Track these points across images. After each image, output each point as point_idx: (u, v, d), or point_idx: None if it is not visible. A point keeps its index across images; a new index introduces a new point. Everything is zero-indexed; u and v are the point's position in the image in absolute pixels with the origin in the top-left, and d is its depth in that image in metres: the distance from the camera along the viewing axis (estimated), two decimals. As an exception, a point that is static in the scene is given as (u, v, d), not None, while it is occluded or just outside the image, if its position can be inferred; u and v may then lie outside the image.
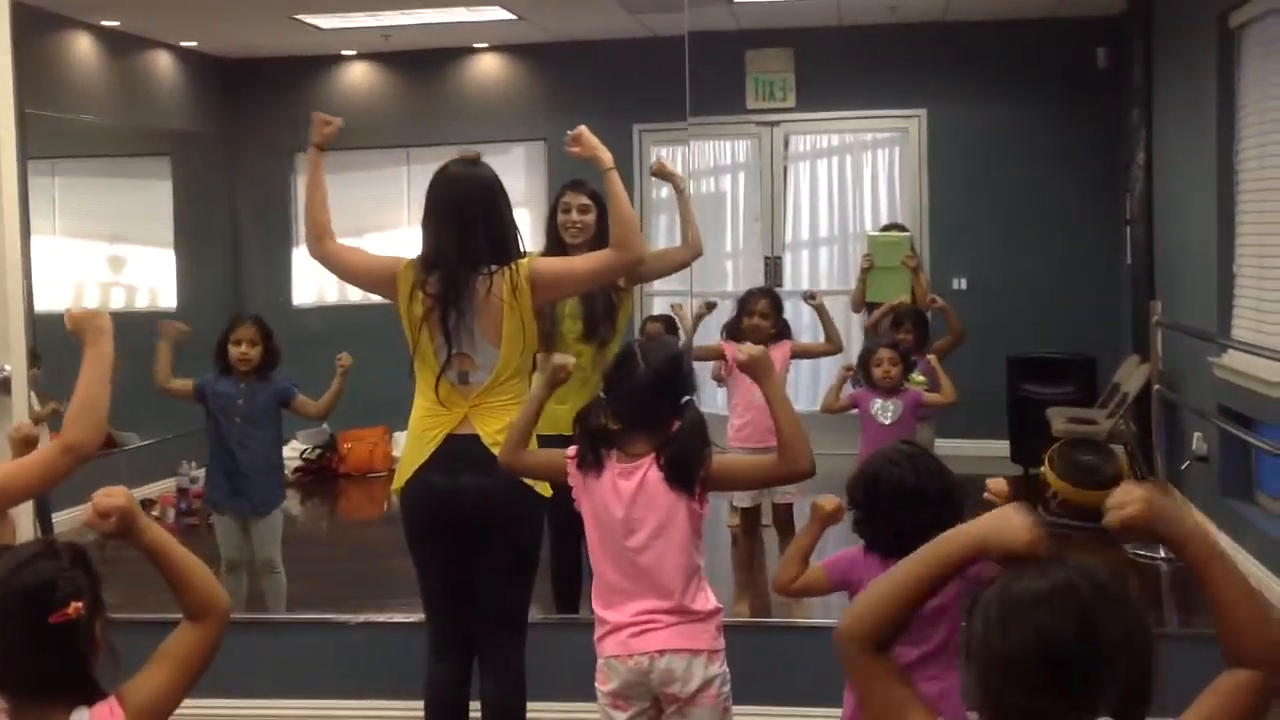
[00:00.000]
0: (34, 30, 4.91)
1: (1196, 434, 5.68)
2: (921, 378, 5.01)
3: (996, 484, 2.77)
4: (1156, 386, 5.60)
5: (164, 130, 7.81)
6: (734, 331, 4.95)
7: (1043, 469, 6.04)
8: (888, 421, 4.77)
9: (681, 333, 5.11)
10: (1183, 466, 5.70)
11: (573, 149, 3.35)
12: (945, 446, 5.07)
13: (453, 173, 3.30)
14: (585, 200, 4.15)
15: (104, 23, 7.07)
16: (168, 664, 1.89)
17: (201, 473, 5.18)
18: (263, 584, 4.66)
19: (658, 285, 5.92)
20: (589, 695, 2.88)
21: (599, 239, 3.78)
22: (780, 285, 7.26)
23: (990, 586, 1.59)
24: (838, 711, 2.76)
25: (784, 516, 4.93)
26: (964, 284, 7.39)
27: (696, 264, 4.30)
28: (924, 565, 1.64)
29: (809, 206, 7.93)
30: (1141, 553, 5.32)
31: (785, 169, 7.89)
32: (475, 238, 3.20)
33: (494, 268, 3.20)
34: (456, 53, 7.99)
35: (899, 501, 2.68)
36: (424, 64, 8.02)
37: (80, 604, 1.78)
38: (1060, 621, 1.47)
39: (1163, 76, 6.54)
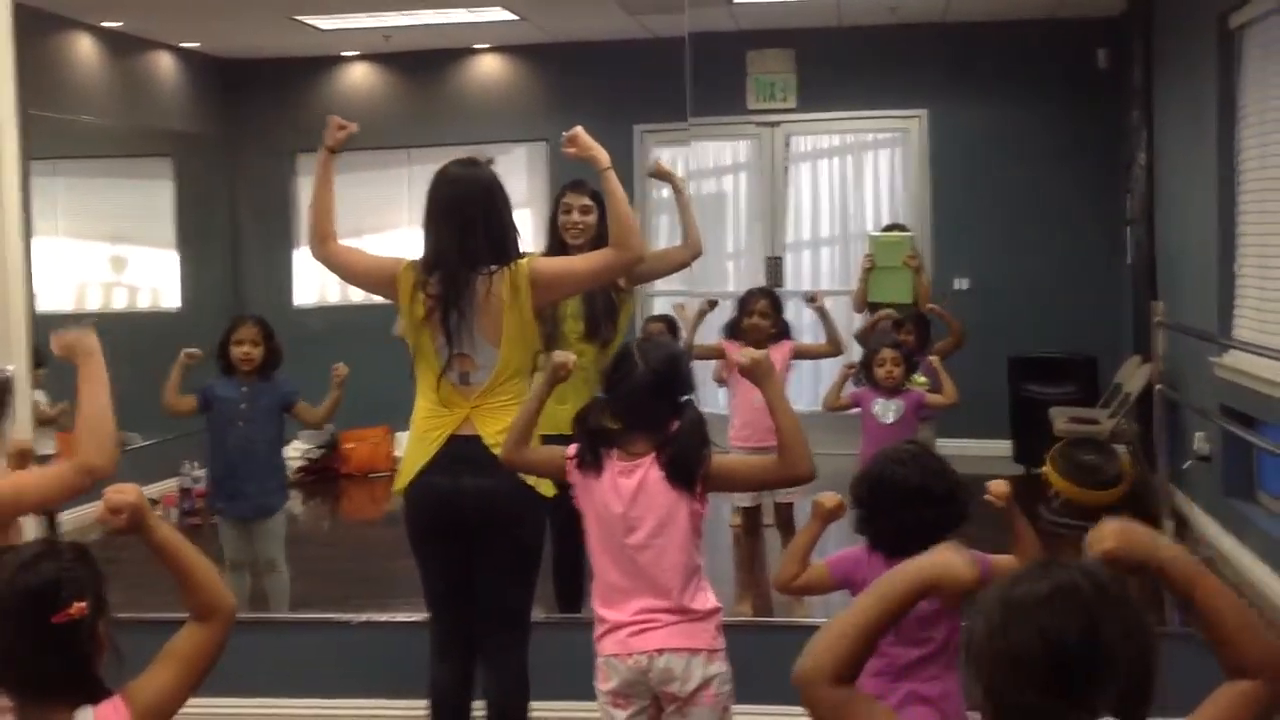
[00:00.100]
0: (36, 31, 4.91)
1: (1198, 434, 5.68)
2: (923, 379, 5.01)
3: (998, 486, 2.77)
4: (1158, 386, 5.59)
5: (166, 131, 7.82)
6: (734, 331, 4.96)
7: (1045, 469, 6.04)
8: (889, 421, 4.77)
9: (683, 332, 5.11)
10: (1184, 466, 5.69)
11: (569, 150, 3.37)
12: (947, 446, 5.06)
13: (452, 174, 3.31)
14: (586, 201, 4.15)
15: (105, 24, 7.08)
16: (173, 663, 1.90)
17: (204, 472, 5.18)
18: (265, 583, 4.66)
19: (659, 285, 5.92)
20: (590, 694, 2.89)
21: (600, 239, 3.78)
22: (781, 286, 7.26)
23: (990, 587, 1.60)
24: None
25: (785, 516, 4.94)
26: (966, 284, 7.39)
27: (697, 264, 4.30)
28: (874, 606, 1.67)
29: (810, 207, 7.93)
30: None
31: (786, 169, 7.89)
32: (475, 238, 3.21)
33: (494, 268, 3.21)
34: (457, 53, 8.00)
35: (903, 501, 2.68)
36: (424, 65, 8.02)
37: (83, 604, 1.78)
38: (1063, 622, 1.47)
39: (1163, 77, 6.54)
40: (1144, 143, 6.69)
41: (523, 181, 7.38)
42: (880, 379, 4.83)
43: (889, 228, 7.14)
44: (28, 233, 4.63)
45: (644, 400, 2.81)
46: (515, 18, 7.07)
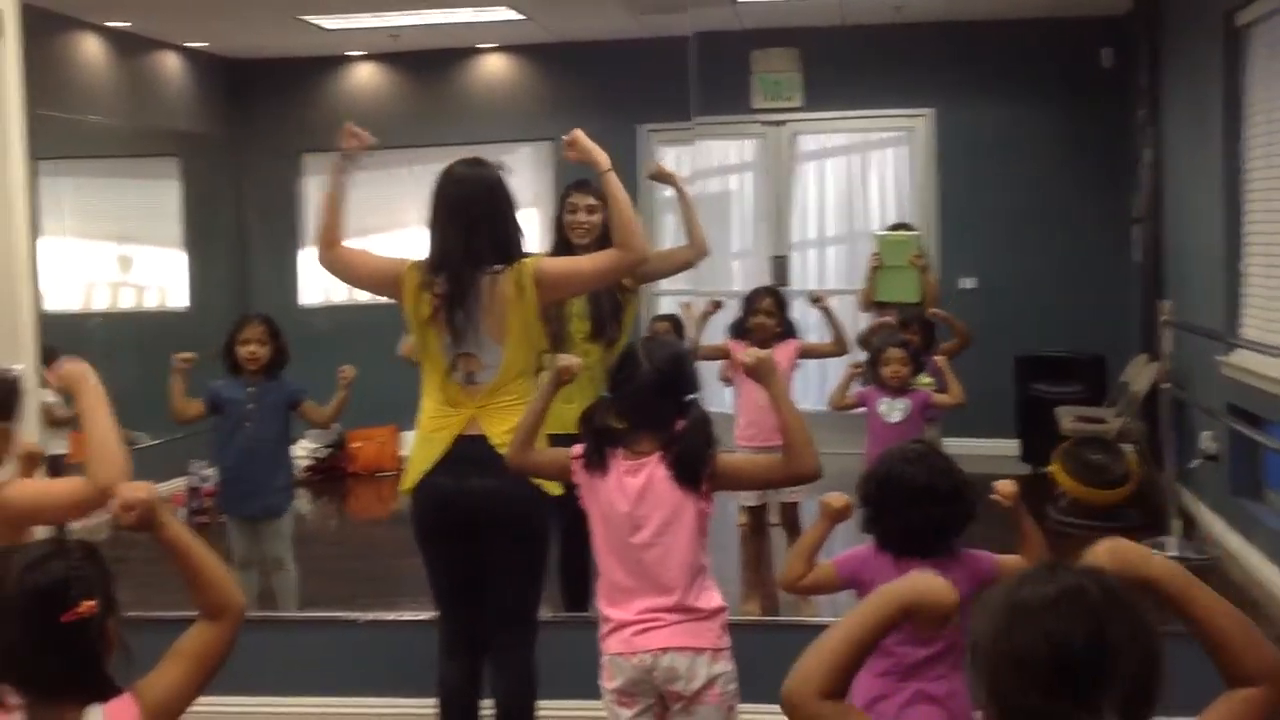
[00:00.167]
0: (43, 31, 4.92)
1: (1206, 433, 5.68)
2: (928, 379, 5.01)
3: (1005, 486, 2.77)
4: (1165, 385, 5.60)
5: (172, 131, 7.83)
6: (739, 331, 4.96)
7: (1051, 468, 6.04)
8: (895, 421, 4.77)
9: (688, 332, 5.11)
10: (1192, 465, 5.69)
11: (568, 153, 3.38)
12: (954, 446, 5.06)
13: (458, 173, 3.31)
14: (592, 200, 4.15)
15: (112, 24, 7.09)
16: (183, 661, 1.91)
17: (212, 471, 5.19)
18: (273, 582, 4.67)
19: (664, 285, 5.92)
20: (597, 693, 2.89)
21: (606, 239, 3.78)
22: (787, 285, 7.26)
23: (995, 589, 1.60)
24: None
25: (791, 516, 4.94)
26: (972, 283, 7.39)
27: (703, 263, 4.30)
28: (855, 628, 1.69)
29: (816, 206, 7.93)
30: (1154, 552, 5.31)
31: (792, 168, 7.89)
32: (480, 238, 3.22)
33: (499, 267, 3.22)
34: (463, 53, 8.01)
35: (910, 500, 2.68)
36: (430, 64, 8.04)
37: (92, 602, 1.79)
38: (1069, 625, 1.47)
39: (1169, 75, 6.53)
40: (1150, 141, 6.70)
41: (528, 181, 7.38)
42: (886, 378, 4.83)
43: (895, 227, 7.14)
44: (35, 233, 4.64)
45: (649, 399, 2.82)
46: (520, 17, 7.08)
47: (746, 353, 2.88)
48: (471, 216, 3.24)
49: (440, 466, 3.26)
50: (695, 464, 2.79)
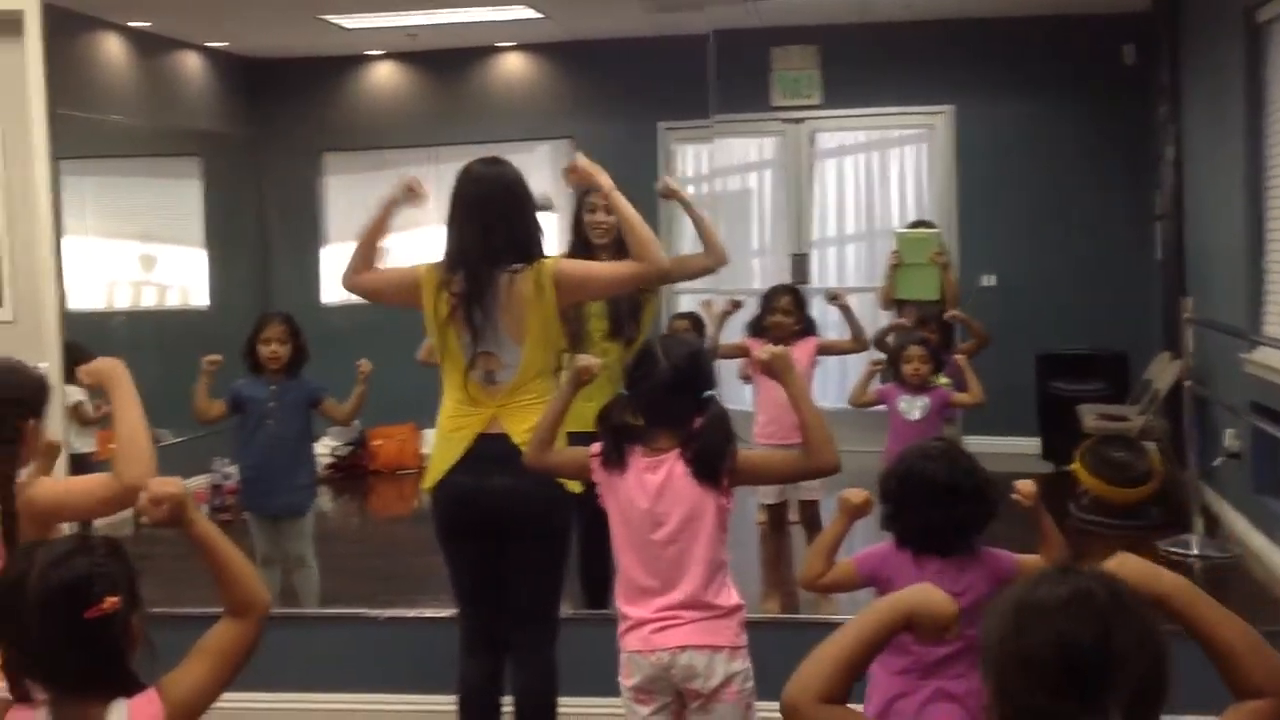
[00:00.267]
0: (65, 31, 4.95)
1: (1229, 430, 5.65)
2: (946, 380, 5.01)
3: (1025, 486, 2.76)
4: (1188, 383, 5.57)
5: (194, 130, 7.86)
6: (758, 329, 4.96)
7: (1073, 466, 6.02)
8: (914, 418, 4.77)
9: (708, 329, 5.12)
10: (1214, 463, 5.67)
11: (570, 178, 3.41)
12: (974, 443, 5.04)
13: (476, 172, 3.32)
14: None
15: (134, 24, 7.12)
16: (208, 658, 1.92)
17: (235, 469, 5.21)
18: (295, 579, 4.69)
19: (684, 283, 5.92)
20: (616, 690, 2.90)
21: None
22: (807, 283, 7.25)
23: (1007, 590, 1.61)
24: (858, 706, 2.76)
25: (811, 513, 4.94)
26: (993, 280, 7.37)
27: (724, 260, 4.29)
28: (858, 635, 1.72)
29: (836, 204, 7.91)
30: (1174, 550, 5.30)
31: (812, 166, 7.88)
32: (498, 236, 3.22)
33: (518, 266, 3.22)
34: (481, 52, 8.02)
35: (931, 497, 2.67)
36: (449, 63, 8.05)
37: (116, 598, 1.80)
38: (1077, 627, 1.48)
39: (1190, 72, 6.50)
40: (1172, 138, 6.66)
41: (547, 180, 7.39)
42: (907, 375, 4.83)
43: (916, 224, 7.13)
44: (58, 232, 4.67)
45: (666, 396, 2.82)
46: (539, 16, 7.08)
47: (763, 349, 2.89)
48: (489, 215, 3.24)
49: (461, 465, 3.27)
50: (714, 460, 2.79)
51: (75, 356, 2.65)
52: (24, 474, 2.49)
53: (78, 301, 4.92)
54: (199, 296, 7.88)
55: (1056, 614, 1.49)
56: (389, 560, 5.85)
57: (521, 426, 3.18)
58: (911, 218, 7.48)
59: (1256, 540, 5.37)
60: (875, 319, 6.16)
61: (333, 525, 6.79)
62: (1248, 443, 5.51)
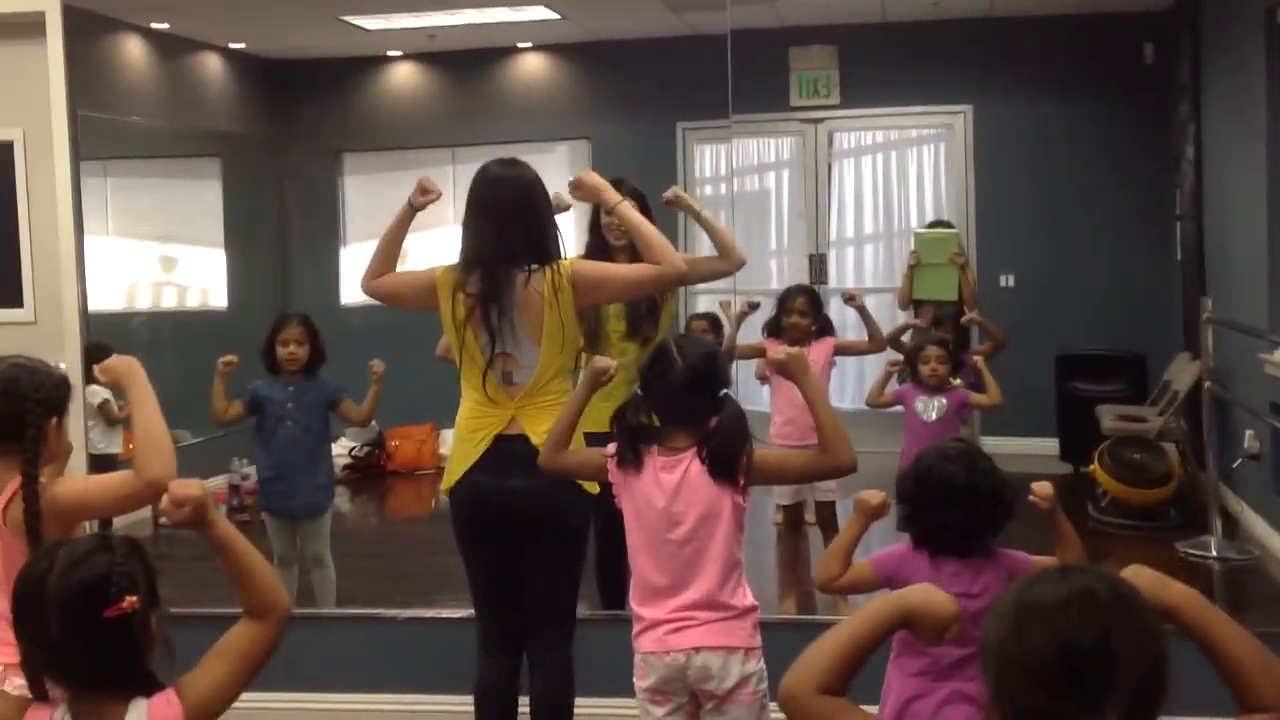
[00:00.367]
0: (85, 33, 4.97)
1: (1248, 431, 5.62)
2: (958, 381, 5.00)
3: (1042, 487, 2.76)
4: (1207, 384, 5.55)
5: (213, 131, 7.89)
6: (774, 330, 4.97)
7: (1092, 467, 5.99)
8: (932, 419, 4.76)
9: (726, 330, 5.12)
10: (1234, 465, 5.64)
11: (575, 193, 3.41)
12: (993, 444, 5.05)
13: (493, 173, 3.33)
14: (629, 200, 4.15)
15: (154, 25, 7.16)
16: (226, 659, 1.93)
17: (253, 469, 5.24)
18: (312, 579, 4.71)
19: (702, 284, 5.92)
20: (631, 691, 2.90)
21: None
22: (825, 283, 7.23)
23: (1007, 589, 1.61)
24: (874, 708, 2.76)
25: (827, 514, 4.93)
26: (1011, 281, 7.34)
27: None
28: (858, 630, 1.73)
29: (854, 204, 7.89)
30: (1193, 552, 5.28)
31: (829, 166, 7.86)
32: (514, 237, 3.23)
33: (534, 266, 3.23)
34: (500, 52, 8.02)
35: (949, 498, 2.67)
36: (468, 64, 8.06)
37: (135, 598, 1.81)
38: (1077, 627, 1.48)
39: (1211, 71, 6.47)
40: (1192, 137, 6.63)
41: (565, 180, 7.39)
42: (924, 376, 4.82)
43: (934, 224, 7.11)
44: (79, 233, 4.70)
45: (682, 396, 2.83)
46: (557, 16, 7.09)
47: (777, 350, 2.89)
48: (505, 215, 3.25)
49: (480, 466, 3.27)
50: (731, 458, 2.79)
51: (99, 357, 2.68)
52: (44, 474, 2.51)
53: (98, 302, 4.94)
54: (218, 297, 7.90)
55: (1056, 614, 1.49)
56: (406, 560, 5.86)
57: (540, 427, 3.18)
58: (929, 218, 7.46)
59: (1276, 542, 5.34)
60: (893, 319, 6.14)
61: (350, 525, 6.80)
62: (1267, 444, 5.48)
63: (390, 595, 4.87)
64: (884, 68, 7.39)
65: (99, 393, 4.99)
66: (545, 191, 3.35)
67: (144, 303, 7.52)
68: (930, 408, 4.79)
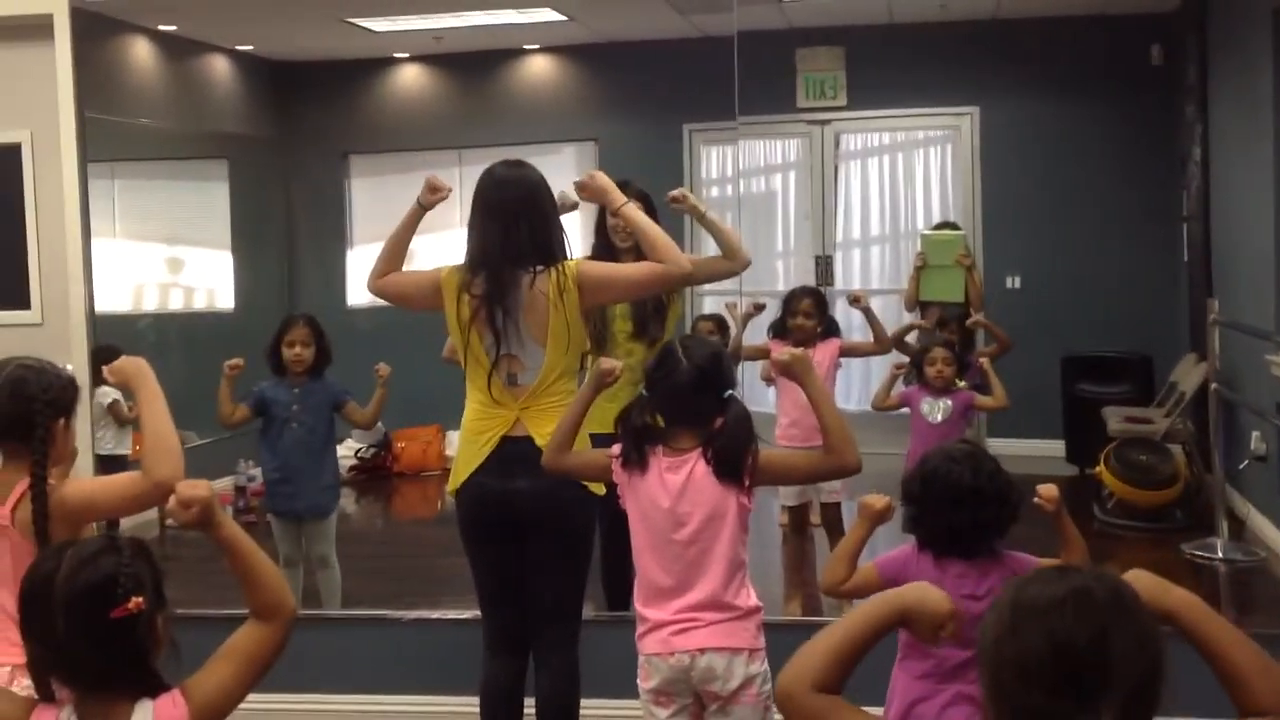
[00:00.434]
0: (93, 35, 4.99)
1: (1255, 433, 5.62)
2: (963, 383, 5.00)
3: (1047, 490, 2.76)
4: (1214, 385, 5.54)
5: (221, 133, 7.91)
6: (780, 331, 4.97)
7: (1098, 469, 5.99)
8: (937, 420, 4.76)
9: (732, 331, 5.12)
10: (1241, 466, 5.63)
11: (580, 194, 3.42)
12: (999, 446, 5.05)
13: (499, 174, 3.33)
14: (634, 202, 4.15)
15: (161, 27, 7.17)
16: (232, 660, 1.93)
17: (259, 471, 5.25)
18: (318, 580, 4.71)
19: (709, 285, 5.92)
20: (635, 692, 2.90)
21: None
22: (831, 285, 7.24)
23: (1004, 589, 1.61)
24: (880, 710, 2.76)
25: (833, 516, 4.93)
26: (1017, 282, 7.33)
27: (747, 261, 4.28)
28: (854, 628, 1.74)
29: (860, 205, 7.89)
30: (1199, 553, 5.27)
31: (836, 168, 7.86)
32: (519, 237, 3.23)
33: (540, 268, 3.23)
34: (507, 54, 8.03)
35: (955, 499, 2.66)
36: (475, 66, 8.06)
37: (141, 599, 1.81)
38: (1073, 626, 1.48)
39: (1217, 72, 6.46)
40: (1198, 138, 6.62)
41: (572, 182, 7.40)
42: (930, 378, 4.82)
43: (940, 225, 7.10)
44: (87, 235, 4.71)
45: (688, 396, 2.83)
46: (564, 18, 7.09)
47: (781, 351, 2.89)
48: (511, 216, 3.26)
49: (485, 467, 3.28)
50: (736, 459, 2.79)
51: (108, 358, 2.69)
52: (51, 475, 2.52)
53: (105, 304, 4.95)
54: (224, 299, 7.92)
55: (1052, 613, 1.49)
56: (412, 562, 5.87)
57: (545, 429, 3.19)
58: (936, 219, 7.45)
59: (1284, 544, 5.34)
60: (900, 321, 6.14)
61: (356, 527, 6.81)
62: (1274, 445, 5.47)
63: (396, 596, 4.88)
64: (891, 69, 7.39)
65: (109, 393, 5.00)
66: (550, 193, 3.35)
67: (151, 304, 7.53)
68: (936, 409, 4.79)
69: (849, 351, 5.08)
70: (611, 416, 3.04)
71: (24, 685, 2.15)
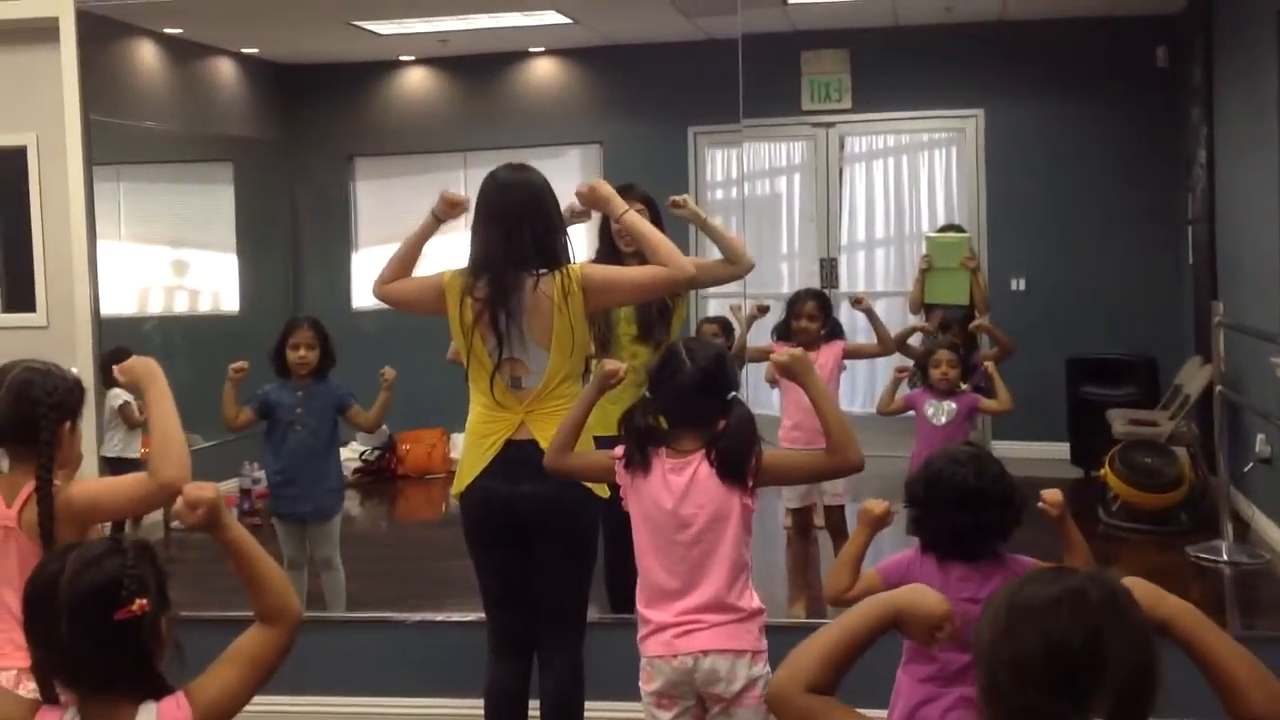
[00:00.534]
0: (98, 38, 5.00)
1: (1260, 435, 5.61)
2: (967, 385, 4.99)
3: (1052, 494, 2.76)
4: (1219, 388, 5.53)
5: (226, 136, 7.92)
6: (784, 333, 4.98)
7: (1103, 471, 5.98)
8: (942, 423, 4.76)
9: (737, 333, 5.12)
10: (1245, 469, 5.63)
11: (583, 202, 3.43)
12: (1004, 448, 5.05)
13: (502, 178, 3.34)
14: (639, 205, 4.15)
15: (167, 30, 7.18)
16: (237, 664, 1.94)
17: (263, 474, 5.26)
18: (322, 582, 4.72)
19: (713, 288, 5.92)
20: (638, 695, 2.90)
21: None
22: (836, 287, 7.24)
23: (1000, 589, 1.61)
24: (883, 713, 2.76)
25: (836, 518, 4.93)
26: (1023, 284, 7.32)
27: (752, 264, 4.29)
28: (848, 629, 1.74)
29: (865, 208, 7.89)
30: (1204, 556, 5.26)
31: (841, 170, 7.86)
32: (522, 240, 3.24)
33: (543, 271, 3.23)
34: (512, 57, 8.03)
35: (959, 502, 2.66)
36: (480, 68, 8.07)
37: (145, 601, 1.82)
38: (1068, 626, 1.49)
39: (1223, 74, 6.46)
40: (1204, 140, 6.62)
41: (576, 184, 7.39)
42: (935, 380, 4.82)
43: (945, 228, 7.09)
44: (92, 237, 4.72)
45: (691, 398, 2.84)
46: (569, 21, 7.10)
47: (781, 353, 2.90)
48: (514, 219, 3.26)
49: (490, 470, 3.28)
50: (740, 460, 2.80)
51: (119, 360, 2.70)
52: (57, 477, 2.53)
53: (111, 307, 4.96)
54: (230, 301, 7.93)
55: (1047, 613, 1.50)
56: (416, 564, 5.87)
57: (549, 432, 3.19)
58: (941, 222, 7.45)
59: (1289, 547, 5.33)
60: (905, 324, 6.14)
61: (360, 529, 6.82)
62: (1279, 447, 5.46)
63: (400, 599, 4.88)
64: (895, 72, 7.39)
65: (119, 395, 5.01)
66: (554, 196, 3.36)
67: (156, 307, 7.54)
68: (941, 412, 4.79)
69: (853, 354, 5.09)
70: (615, 418, 3.04)
71: (30, 689, 2.15)
